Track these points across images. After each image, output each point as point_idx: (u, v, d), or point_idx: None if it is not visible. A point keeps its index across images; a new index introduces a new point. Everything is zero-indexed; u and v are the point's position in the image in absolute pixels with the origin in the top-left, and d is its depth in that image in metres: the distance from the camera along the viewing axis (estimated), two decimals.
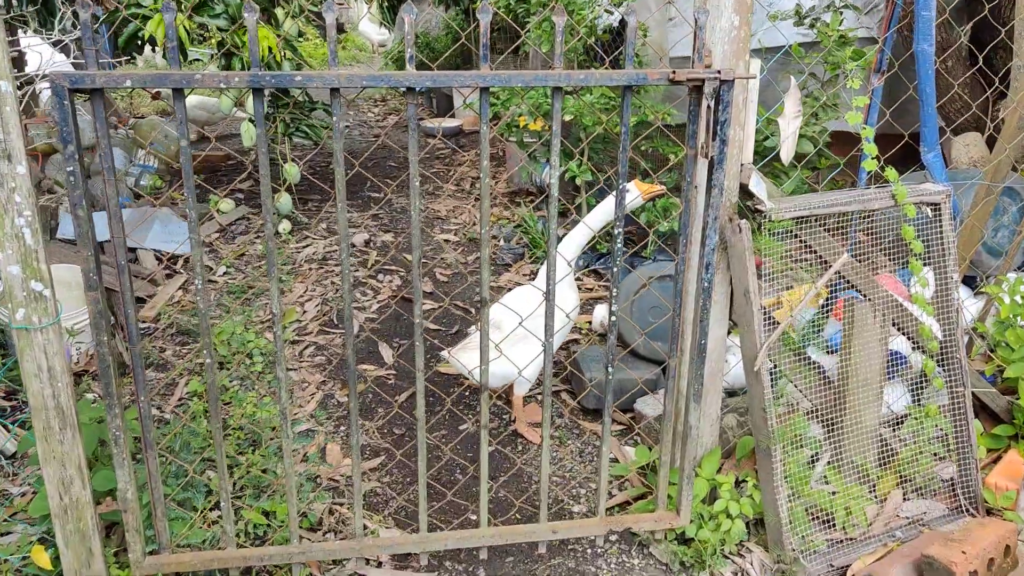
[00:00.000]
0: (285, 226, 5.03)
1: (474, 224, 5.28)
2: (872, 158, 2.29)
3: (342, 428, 3.06)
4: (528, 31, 4.83)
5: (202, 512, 2.34)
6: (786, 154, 2.35)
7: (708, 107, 1.94)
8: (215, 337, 3.48)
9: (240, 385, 3.26)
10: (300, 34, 5.04)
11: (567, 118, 4.23)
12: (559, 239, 3.09)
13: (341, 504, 2.59)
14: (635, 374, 3.12)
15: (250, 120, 4.68)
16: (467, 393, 3.31)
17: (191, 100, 6.99)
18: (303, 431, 3.02)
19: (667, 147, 4.60)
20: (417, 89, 1.85)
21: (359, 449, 2.11)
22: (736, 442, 2.62)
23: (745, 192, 2.18)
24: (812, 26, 4.73)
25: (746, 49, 2.14)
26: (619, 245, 2.04)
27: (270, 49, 4.53)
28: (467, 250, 4.91)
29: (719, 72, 1.90)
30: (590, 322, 3.82)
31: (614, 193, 3.05)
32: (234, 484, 2.51)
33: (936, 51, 4.95)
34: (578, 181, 4.55)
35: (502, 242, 4.86)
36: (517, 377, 2.95)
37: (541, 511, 2.28)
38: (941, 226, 2.42)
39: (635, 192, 2.90)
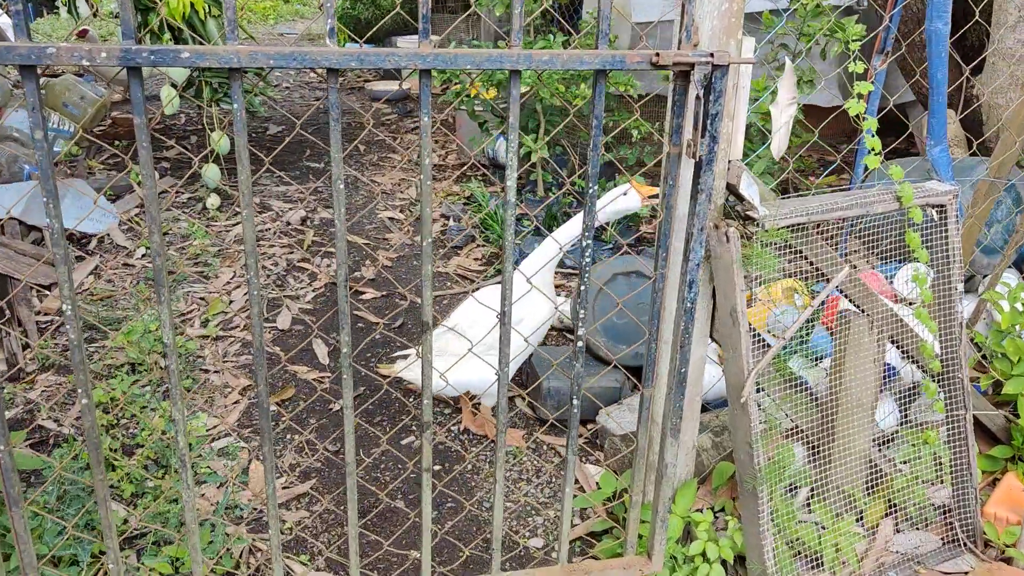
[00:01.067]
0: (213, 201, 4.60)
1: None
2: (875, 153, 1.99)
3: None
4: None
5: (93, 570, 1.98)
6: (777, 147, 2.04)
7: (697, 97, 1.61)
8: (125, 336, 3.08)
9: (153, 394, 2.87)
10: None
11: (522, 89, 3.86)
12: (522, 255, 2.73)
13: (266, 540, 2.25)
14: (597, 381, 2.83)
15: (172, 84, 4.22)
16: (412, 398, 2.98)
17: None
18: (223, 448, 2.67)
19: (629, 120, 4.26)
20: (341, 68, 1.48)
21: (276, 500, 1.76)
22: (712, 467, 2.34)
23: (734, 195, 1.86)
24: None
25: (738, 26, 1.80)
26: (587, 260, 1.71)
27: (192, 5, 4.06)
28: (414, 230, 4.54)
29: (711, 55, 1.56)
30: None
31: (601, 198, 2.69)
32: (138, 519, 2.15)
33: (906, 25, 4.69)
34: (534, 157, 4.20)
35: (451, 222, 4.50)
36: (488, 388, 2.63)
37: (494, 560, 1.97)
38: (946, 230, 2.14)
39: (635, 197, 2.54)
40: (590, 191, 1.66)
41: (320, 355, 3.26)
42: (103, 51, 1.36)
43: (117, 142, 5.64)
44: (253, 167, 5.29)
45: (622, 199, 2.57)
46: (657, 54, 1.55)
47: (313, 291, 3.78)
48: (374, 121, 6.59)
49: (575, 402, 1.81)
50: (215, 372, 3.09)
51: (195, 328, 3.39)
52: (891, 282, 3.01)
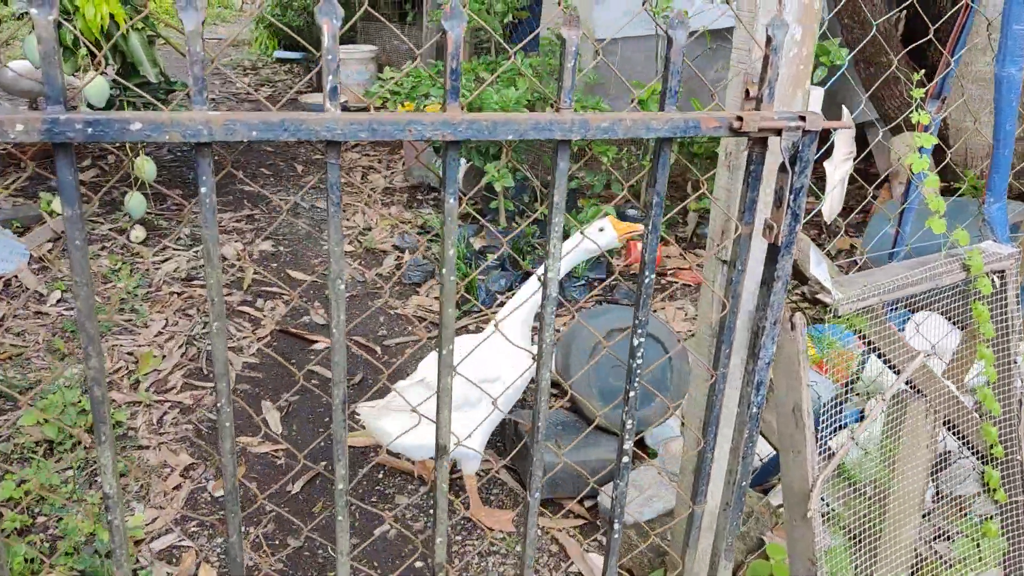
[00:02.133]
0: (138, 233, 4.12)
1: (371, 228, 4.52)
2: (940, 216, 1.73)
3: (219, 539, 2.31)
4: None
5: None
6: (830, 209, 1.77)
7: (781, 167, 1.31)
8: (40, 409, 2.63)
9: (77, 482, 2.44)
10: None
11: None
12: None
13: None
14: (592, 451, 2.52)
15: (88, 106, 3.74)
16: (382, 475, 2.62)
17: (20, 66, 5.82)
18: (164, 549, 2.26)
19: (601, 148, 3.99)
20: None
21: None
22: (744, 566, 2.05)
23: (798, 275, 1.57)
24: None
25: (807, 74, 1.52)
26: (547, 342, 1.40)
27: (112, 17, 3.60)
28: (365, 262, 4.16)
29: (802, 118, 1.27)
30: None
31: (577, 234, 2.42)
32: None
33: (876, 44, 4.54)
34: (497, 187, 3.87)
35: (407, 256, 4.13)
36: (467, 452, 2.31)
37: None
38: (1006, 297, 1.91)
39: (611, 233, 2.34)
40: (552, 248, 1.33)
41: (272, 421, 2.87)
42: (19, 122, 0.98)
43: (25, 165, 5.07)
44: (180, 192, 4.82)
45: (599, 236, 2.34)
46: (739, 118, 1.25)
47: (258, 340, 3.37)
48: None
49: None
50: (150, 448, 2.67)
51: (124, 392, 2.95)
52: (902, 330, 2.79)
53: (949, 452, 2.30)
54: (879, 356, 1.64)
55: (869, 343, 1.62)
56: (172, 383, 3.03)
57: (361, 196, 4.97)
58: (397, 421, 2.37)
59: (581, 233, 2.29)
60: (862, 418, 2.23)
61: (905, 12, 4.99)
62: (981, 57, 4.29)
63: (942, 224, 1.72)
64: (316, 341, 3.37)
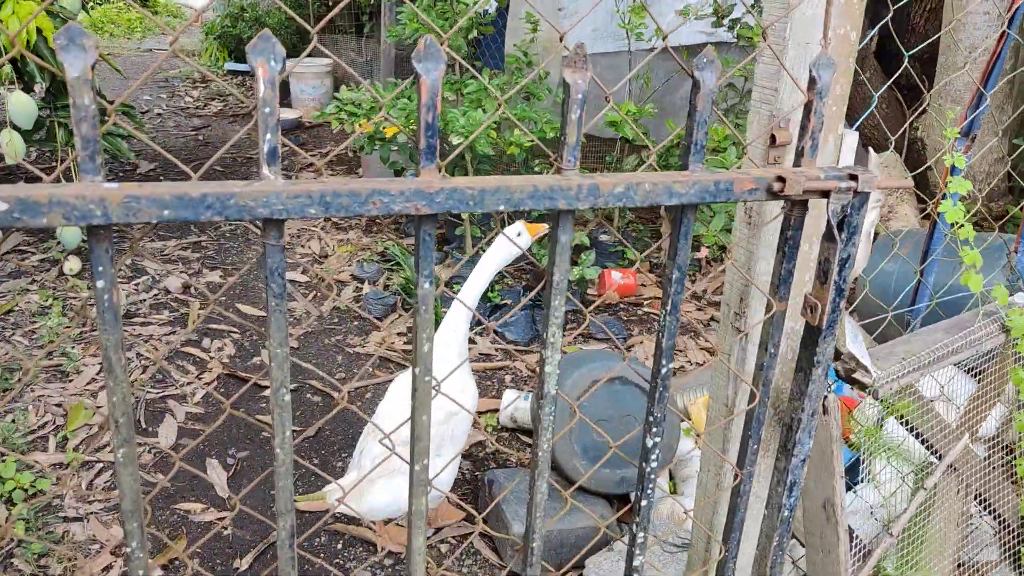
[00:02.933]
0: (72, 265, 3.79)
1: (327, 256, 4.24)
2: (977, 271, 1.52)
3: None
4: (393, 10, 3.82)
5: None
6: (856, 266, 1.55)
7: (827, 235, 1.08)
8: None
9: None
10: (85, 5, 3.78)
11: (455, 140, 3.28)
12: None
13: None
14: (579, 519, 2.28)
15: (13, 127, 3.41)
16: (340, 545, 2.35)
17: None
18: None
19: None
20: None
21: None
22: None
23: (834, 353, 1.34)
24: (731, 28, 4.02)
25: (841, 116, 1.29)
26: (543, 448, 1.15)
27: (39, 32, 3.29)
28: (321, 294, 3.87)
29: (853, 178, 1.04)
30: (496, 413, 2.93)
31: (500, 237, 2.32)
32: None
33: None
34: (464, 215, 3.62)
35: (366, 288, 3.86)
36: (438, 495, 2.12)
37: None
38: None
39: (527, 238, 2.23)
40: (551, 337, 1.10)
41: (217, 483, 2.58)
42: None
43: None
44: None
45: (519, 240, 2.20)
46: (780, 179, 1.01)
47: (204, 386, 3.07)
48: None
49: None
50: (78, 520, 2.36)
51: (49, 452, 2.63)
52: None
53: (970, 515, 2.11)
54: (919, 438, 1.42)
55: (909, 426, 1.40)
56: (105, 440, 2.72)
57: (317, 220, 4.68)
58: (384, 491, 2.14)
59: (503, 235, 2.23)
60: (856, 463, 2.03)
61: (877, 31, 4.85)
62: (961, 77, 4.15)
63: (979, 281, 1.51)
64: (265, 387, 3.08)
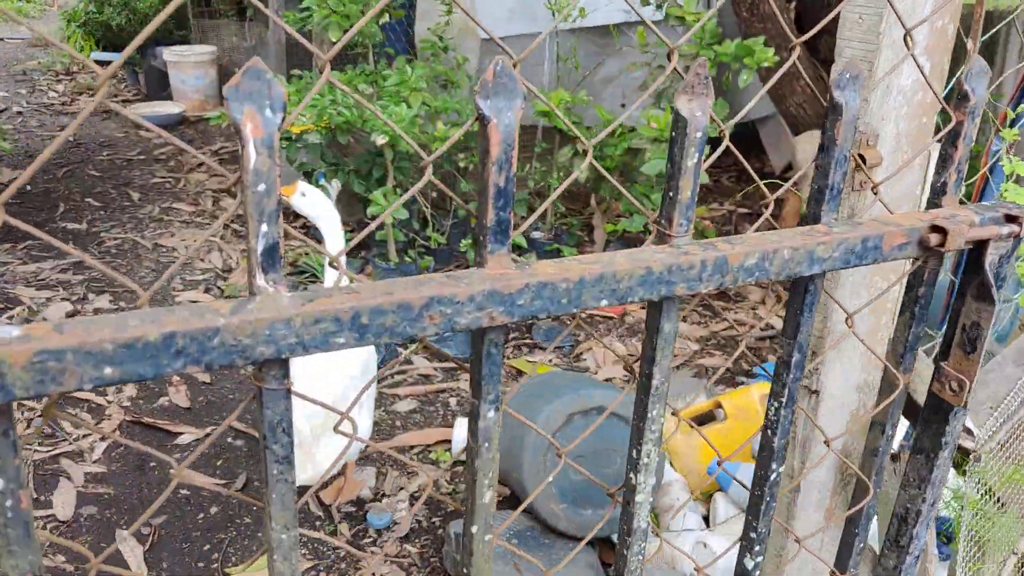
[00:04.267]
0: None
1: (232, 270, 3.82)
2: None
3: None
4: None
5: None
6: None
7: (983, 288, 0.85)
8: None
9: None
10: None
11: (380, 141, 2.94)
12: None
13: None
14: (560, 568, 2.02)
15: None
16: None
17: None
18: None
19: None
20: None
21: None
22: None
23: (912, 407, 1.12)
24: (660, 7, 3.80)
25: (930, 127, 1.06)
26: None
27: None
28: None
29: (1015, 223, 0.80)
30: (447, 444, 2.64)
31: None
32: None
33: (775, 38, 4.26)
34: (388, 218, 3.29)
35: None
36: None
37: None
38: None
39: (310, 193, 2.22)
40: (639, 486, 0.84)
41: (132, 559, 2.19)
42: None
43: None
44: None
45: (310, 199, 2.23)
46: (937, 229, 0.76)
47: (102, 439, 2.65)
48: (145, 157, 5.28)
49: None
50: None
51: None
52: None
53: None
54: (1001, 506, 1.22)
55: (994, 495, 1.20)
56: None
57: (210, 226, 4.22)
58: (329, 447, 2.19)
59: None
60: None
61: (796, 3, 4.75)
62: None
63: None
64: (180, 433, 2.69)
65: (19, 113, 6.07)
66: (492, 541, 0.72)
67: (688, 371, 3.08)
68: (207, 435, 2.69)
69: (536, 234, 3.77)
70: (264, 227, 0.53)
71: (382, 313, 0.55)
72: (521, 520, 2.20)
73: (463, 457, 2.55)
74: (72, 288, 3.60)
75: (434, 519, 2.37)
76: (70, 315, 3.35)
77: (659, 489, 2.30)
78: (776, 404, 0.83)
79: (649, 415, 0.75)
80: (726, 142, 0.75)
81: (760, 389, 2.39)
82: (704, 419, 2.42)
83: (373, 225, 0.65)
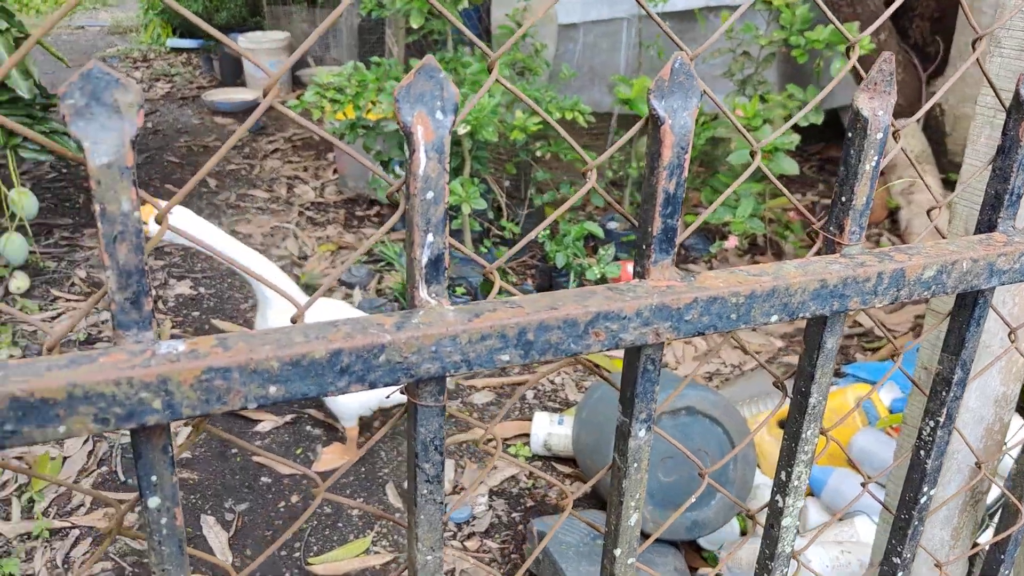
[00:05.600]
0: (20, 283, 3.35)
1: (307, 257, 3.85)
2: None
3: None
4: None
5: None
6: None
7: None
8: None
9: None
10: None
11: (461, 131, 2.92)
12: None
13: None
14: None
15: None
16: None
17: None
18: None
19: (571, 152, 3.43)
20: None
21: None
22: None
23: None
24: None
25: None
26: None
27: None
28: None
29: None
30: (526, 438, 2.61)
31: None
32: None
33: (866, 24, 4.11)
34: (465, 208, 3.26)
35: (357, 294, 3.48)
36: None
37: None
38: None
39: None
40: (787, 509, 0.78)
41: (216, 544, 2.22)
42: None
43: None
44: (69, 222, 4.02)
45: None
46: None
47: (187, 426, 2.69)
48: (221, 143, 5.36)
49: None
50: None
51: (14, 520, 2.24)
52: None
53: None
54: None
55: None
56: (79, 500, 2.34)
57: (290, 215, 4.27)
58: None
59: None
60: None
61: None
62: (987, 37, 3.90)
63: None
64: (260, 420, 2.71)
65: None
66: (635, 565, 0.68)
67: (777, 369, 3.00)
68: (286, 422, 2.71)
69: (612, 224, 3.71)
70: (430, 237, 0.50)
71: (547, 329, 0.52)
72: (601, 517, 2.16)
73: (543, 452, 2.52)
74: (153, 273, 3.66)
75: (514, 514, 2.35)
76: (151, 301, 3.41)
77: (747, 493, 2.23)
78: (932, 424, 0.77)
79: (803, 435, 0.70)
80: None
81: (856, 392, 2.30)
82: None
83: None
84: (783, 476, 0.72)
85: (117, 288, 0.44)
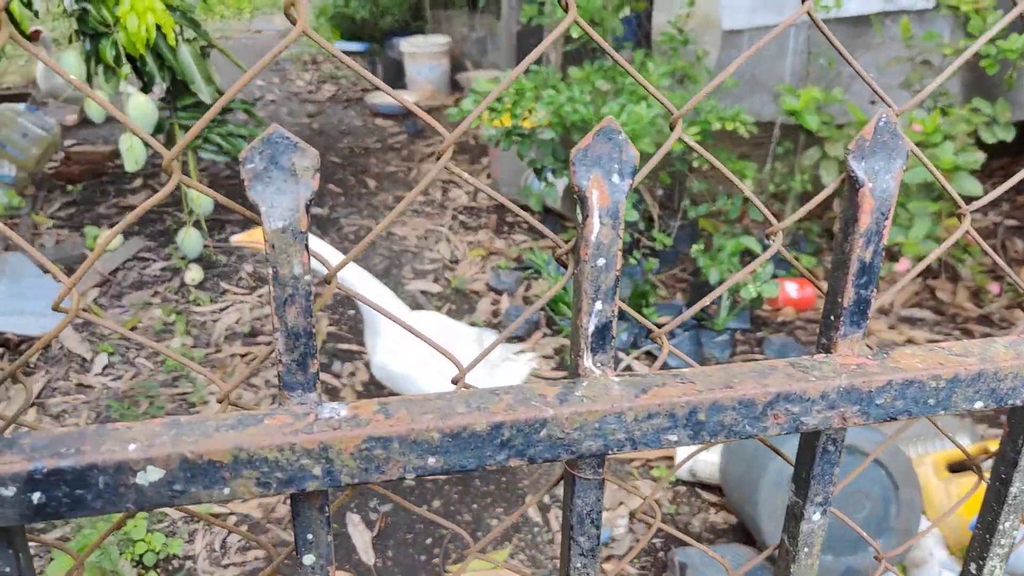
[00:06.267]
0: (194, 275, 3.58)
1: (458, 261, 3.91)
2: None
3: None
4: None
5: None
6: None
7: None
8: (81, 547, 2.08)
9: None
10: None
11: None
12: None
13: None
14: None
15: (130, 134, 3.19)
16: None
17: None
18: None
19: (733, 163, 3.31)
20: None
21: None
22: None
23: None
24: None
25: None
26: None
27: (159, 28, 3.04)
28: (456, 308, 3.55)
29: None
30: (670, 461, 2.54)
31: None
32: None
33: None
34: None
35: (505, 300, 3.51)
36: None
37: None
38: None
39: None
40: None
41: (360, 544, 2.28)
42: None
43: (72, 186, 4.59)
44: (241, 217, 4.26)
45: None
46: None
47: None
48: (381, 145, 5.55)
49: None
50: None
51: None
52: None
53: None
54: None
55: None
56: None
57: (443, 219, 4.36)
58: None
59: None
60: None
61: None
62: None
63: None
64: None
65: (272, 101, 6.58)
66: None
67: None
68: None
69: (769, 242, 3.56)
70: (599, 304, 0.47)
71: (721, 410, 0.48)
72: (746, 551, 2.07)
73: (688, 478, 2.45)
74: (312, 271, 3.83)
75: (655, 540, 2.29)
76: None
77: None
78: None
79: (1000, 527, 0.62)
80: None
81: None
82: (965, 466, 2.16)
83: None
84: (972, 568, 0.65)
85: (285, 349, 0.44)
